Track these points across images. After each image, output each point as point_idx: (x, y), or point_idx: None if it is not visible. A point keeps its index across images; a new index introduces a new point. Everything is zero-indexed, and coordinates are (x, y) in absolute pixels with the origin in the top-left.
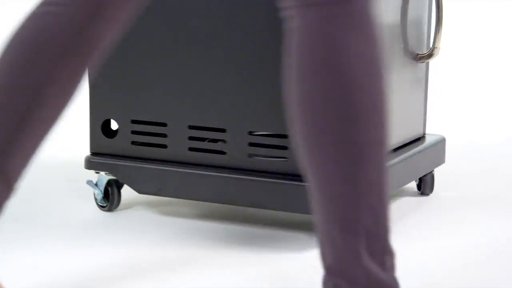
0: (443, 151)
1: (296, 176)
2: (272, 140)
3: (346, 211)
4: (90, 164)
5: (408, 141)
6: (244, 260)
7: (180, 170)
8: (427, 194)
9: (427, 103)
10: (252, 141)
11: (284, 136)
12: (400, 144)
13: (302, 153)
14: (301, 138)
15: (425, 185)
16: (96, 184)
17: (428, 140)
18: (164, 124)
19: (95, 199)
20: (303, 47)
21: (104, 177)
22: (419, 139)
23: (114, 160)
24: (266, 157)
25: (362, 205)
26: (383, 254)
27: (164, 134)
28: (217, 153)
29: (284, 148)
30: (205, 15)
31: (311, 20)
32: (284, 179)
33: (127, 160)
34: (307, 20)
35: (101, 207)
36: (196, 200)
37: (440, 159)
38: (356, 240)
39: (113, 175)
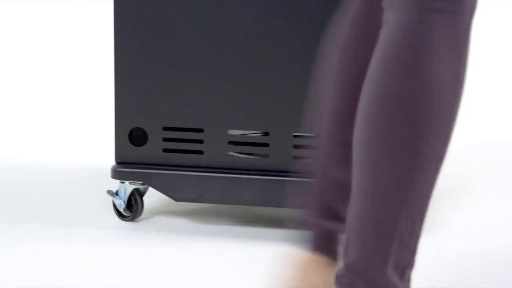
0: None
1: None
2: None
3: (386, 214)
4: (117, 173)
5: None
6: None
7: (220, 175)
8: None
9: None
10: (296, 143)
11: None
12: None
13: (357, 147)
14: (362, 132)
15: None
16: (116, 194)
17: None
18: (200, 130)
19: (115, 209)
20: (395, 44)
21: (128, 186)
22: None
23: (146, 168)
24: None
25: (404, 213)
26: (406, 267)
27: (201, 140)
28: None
29: None
30: (243, 15)
31: (411, 20)
32: None
33: (161, 168)
34: (405, 19)
35: (123, 217)
36: (240, 204)
37: None
38: (387, 246)
39: (146, 184)
